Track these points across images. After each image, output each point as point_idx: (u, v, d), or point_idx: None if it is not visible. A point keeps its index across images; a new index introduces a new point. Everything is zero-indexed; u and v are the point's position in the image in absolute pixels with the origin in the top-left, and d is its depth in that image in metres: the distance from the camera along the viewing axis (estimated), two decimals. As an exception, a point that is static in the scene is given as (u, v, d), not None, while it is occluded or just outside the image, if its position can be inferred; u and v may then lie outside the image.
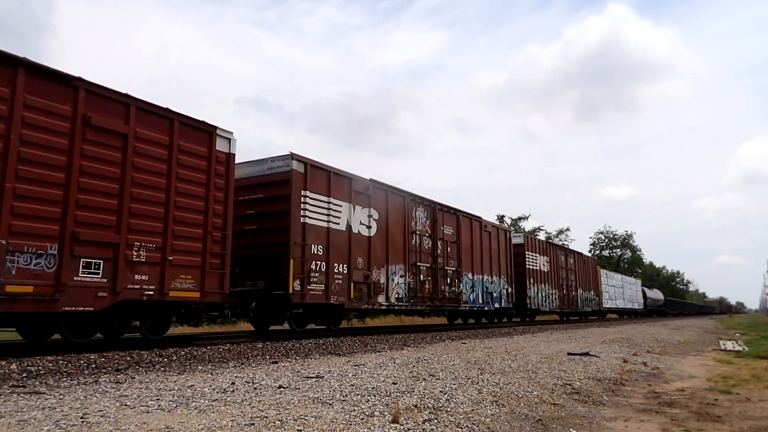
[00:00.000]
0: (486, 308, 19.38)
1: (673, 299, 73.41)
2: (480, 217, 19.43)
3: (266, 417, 3.81)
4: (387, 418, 3.92)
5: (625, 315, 45.18)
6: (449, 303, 16.91)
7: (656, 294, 57.94)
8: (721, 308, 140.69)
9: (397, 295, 14.28)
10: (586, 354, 9.39)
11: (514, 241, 22.58)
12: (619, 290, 39.52)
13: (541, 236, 61.59)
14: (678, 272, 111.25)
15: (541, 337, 14.10)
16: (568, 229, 61.79)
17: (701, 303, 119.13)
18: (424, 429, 3.79)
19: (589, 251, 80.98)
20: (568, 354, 9.32)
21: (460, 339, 12.75)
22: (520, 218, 57.99)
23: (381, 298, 13.59)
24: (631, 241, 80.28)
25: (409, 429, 3.74)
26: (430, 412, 4.24)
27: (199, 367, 6.84)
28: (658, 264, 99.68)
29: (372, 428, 3.67)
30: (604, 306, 34.23)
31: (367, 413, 4.05)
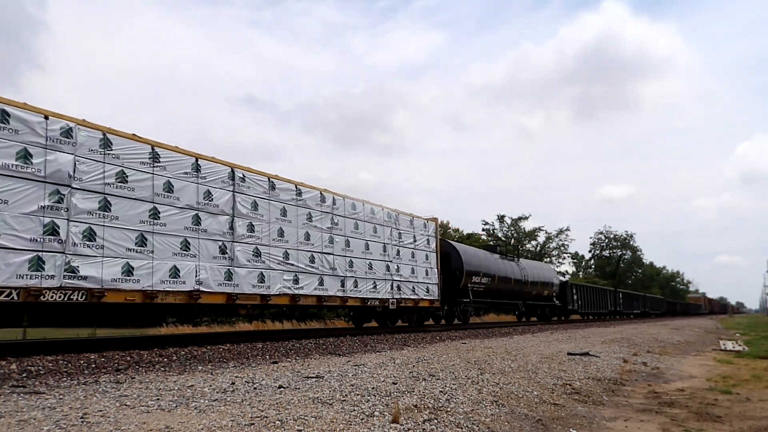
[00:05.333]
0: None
1: (592, 286, 38.47)
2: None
3: (266, 417, 3.81)
4: (387, 418, 3.92)
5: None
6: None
7: (529, 271, 25.39)
8: (712, 307, 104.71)
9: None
10: (586, 354, 9.39)
11: None
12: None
13: (541, 237, 60.33)
14: (678, 272, 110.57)
15: (541, 337, 14.11)
16: (568, 229, 60.50)
17: (675, 299, 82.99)
18: (424, 429, 3.79)
19: (589, 251, 79.57)
20: (568, 354, 9.32)
21: (460, 339, 12.75)
22: (520, 218, 57.61)
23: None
24: (631, 242, 79.92)
25: (409, 429, 3.74)
26: (430, 412, 4.24)
27: (199, 367, 6.84)
28: (658, 264, 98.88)
29: (372, 428, 3.67)
30: None
31: (367, 413, 4.05)
